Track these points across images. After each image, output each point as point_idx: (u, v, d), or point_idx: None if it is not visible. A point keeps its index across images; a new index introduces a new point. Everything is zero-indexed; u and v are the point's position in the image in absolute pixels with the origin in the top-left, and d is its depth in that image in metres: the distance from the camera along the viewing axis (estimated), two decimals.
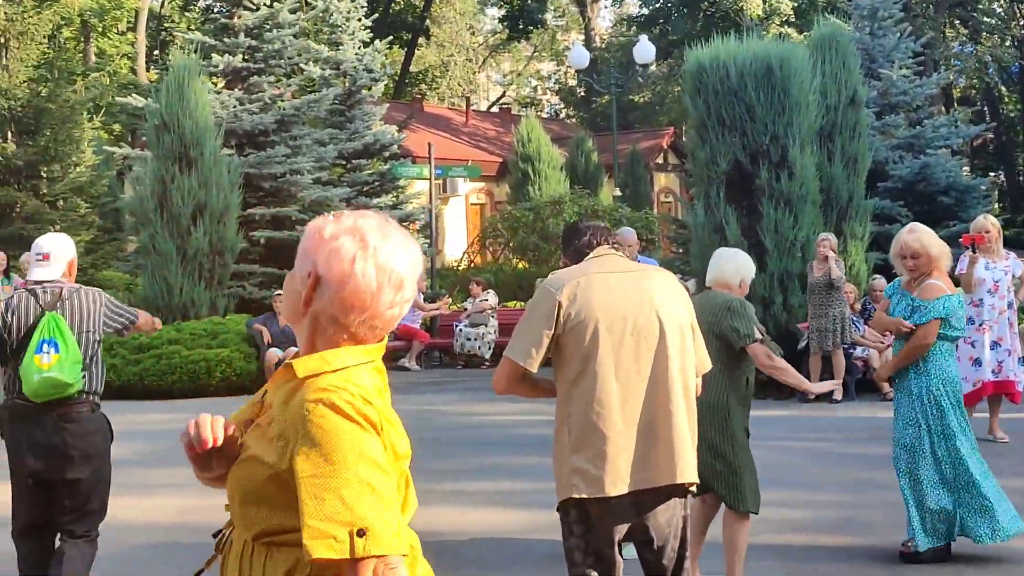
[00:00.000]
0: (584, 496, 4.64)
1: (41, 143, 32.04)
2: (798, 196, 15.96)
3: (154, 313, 18.55)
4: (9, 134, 31.84)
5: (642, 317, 4.68)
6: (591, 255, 4.93)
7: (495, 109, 59.04)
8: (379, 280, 2.78)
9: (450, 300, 22.38)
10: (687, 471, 4.71)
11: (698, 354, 4.89)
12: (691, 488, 4.78)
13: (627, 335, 4.66)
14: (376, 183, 26.32)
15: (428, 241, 24.52)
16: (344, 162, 26.11)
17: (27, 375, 6.23)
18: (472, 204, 38.02)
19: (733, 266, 6.50)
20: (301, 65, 25.29)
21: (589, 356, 4.64)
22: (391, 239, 2.84)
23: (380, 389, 2.80)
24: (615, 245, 5.05)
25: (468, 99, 50.84)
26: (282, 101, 23.47)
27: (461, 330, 20.98)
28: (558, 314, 4.66)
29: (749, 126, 16.09)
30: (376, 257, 2.79)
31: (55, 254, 6.53)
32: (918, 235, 7.29)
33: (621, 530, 4.71)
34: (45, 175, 32.10)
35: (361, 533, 2.56)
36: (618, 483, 4.61)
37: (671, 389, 4.68)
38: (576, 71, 45.69)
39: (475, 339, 20.81)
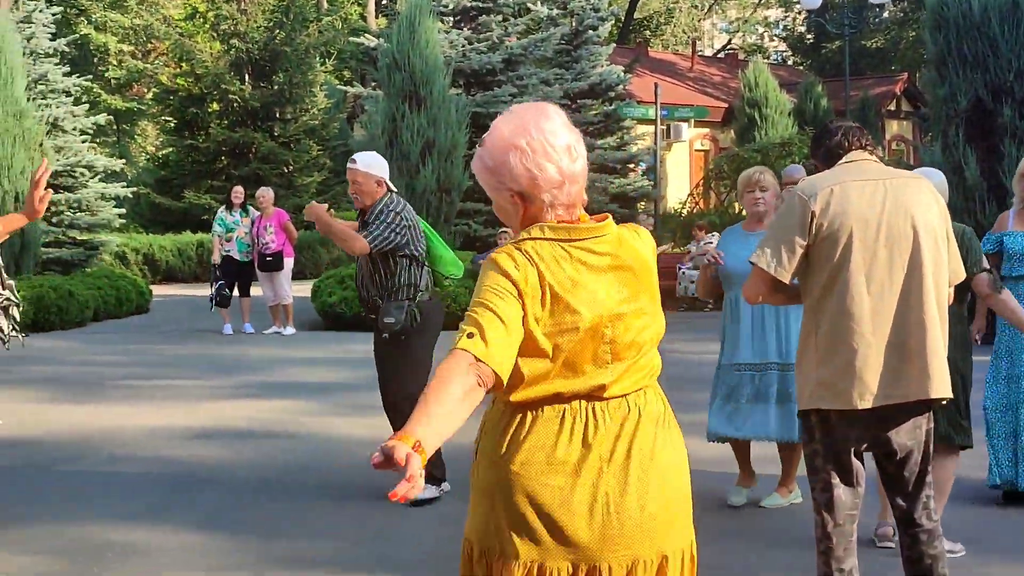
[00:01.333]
0: (828, 408, 4.53)
1: (276, 86, 33.00)
2: None
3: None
4: (246, 76, 32.86)
5: (896, 227, 4.49)
6: (844, 159, 4.73)
7: (722, 54, 58.09)
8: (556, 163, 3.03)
9: (671, 245, 22.22)
10: (940, 386, 4.53)
11: (951, 263, 4.68)
12: (942, 401, 4.61)
13: (880, 246, 4.46)
14: (600, 124, 26.25)
15: (651, 183, 24.36)
16: (569, 102, 26.08)
17: (453, 263, 7.48)
18: (696, 150, 37.56)
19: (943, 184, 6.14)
20: (528, 4, 25.31)
21: (841, 267, 4.47)
22: (551, 122, 3.07)
23: (557, 257, 2.99)
24: (868, 147, 4.83)
25: (694, 43, 50.15)
26: (509, 40, 23.57)
27: (684, 273, 20.84)
28: (811, 224, 4.49)
29: (992, 62, 15.49)
30: (537, 154, 3.02)
31: None
32: None
33: (862, 441, 4.58)
34: (279, 117, 33.06)
35: (471, 335, 2.86)
36: (865, 397, 4.46)
37: (925, 301, 4.49)
38: (807, 12, 44.47)
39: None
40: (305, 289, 19.26)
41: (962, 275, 4.81)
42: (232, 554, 6.27)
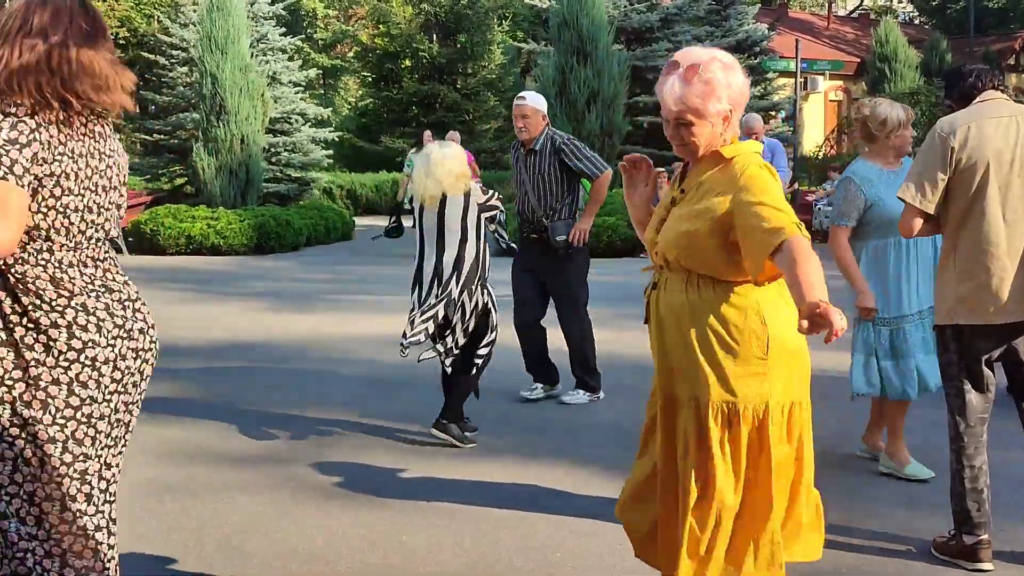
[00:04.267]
0: (965, 324, 4.38)
1: (459, 44, 33.10)
2: None
3: None
4: (434, 36, 33.00)
5: None
6: (978, 99, 4.55)
7: (855, 15, 56.28)
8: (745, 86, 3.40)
9: (797, 185, 21.71)
10: None
11: None
12: None
13: (1015, 176, 4.33)
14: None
15: (791, 129, 23.81)
16: None
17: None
18: (830, 101, 36.60)
19: None
20: None
21: (977, 197, 4.34)
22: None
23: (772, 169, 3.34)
24: (1000, 87, 4.63)
25: (830, 4, 48.61)
26: (665, 1, 23.18)
27: (820, 208, 20.40)
28: (951, 158, 4.35)
29: None
30: (739, 73, 3.36)
31: None
32: None
33: (993, 352, 4.42)
34: (462, 72, 33.17)
35: (799, 225, 3.07)
36: (1000, 313, 4.32)
37: None
38: None
39: None
40: None
41: None
42: (432, 441, 6.35)
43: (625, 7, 22.84)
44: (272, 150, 23.07)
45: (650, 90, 22.50)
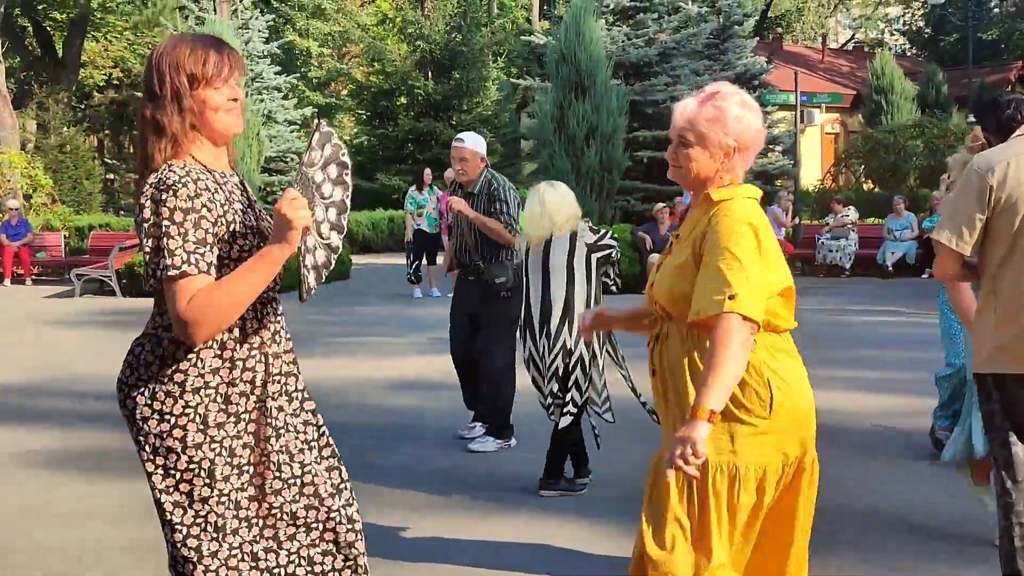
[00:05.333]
0: (1006, 372, 4.10)
1: (454, 82, 33.01)
2: None
3: None
4: (429, 73, 32.93)
5: None
6: (1019, 132, 4.28)
7: (849, 47, 56.53)
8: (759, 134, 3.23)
9: (797, 220, 21.57)
10: None
11: None
12: None
13: None
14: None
15: (792, 162, 23.67)
16: None
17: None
18: (827, 133, 36.55)
19: None
20: (679, 3, 24.74)
21: (1019, 238, 4.05)
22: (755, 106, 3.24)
23: (762, 221, 3.12)
24: None
25: (824, 37, 48.77)
26: (663, 36, 23.10)
27: (823, 243, 20.24)
28: (989, 197, 4.07)
29: None
30: (759, 116, 3.23)
31: None
32: None
33: None
34: (457, 108, 33.08)
35: (732, 296, 2.94)
36: None
37: None
38: (931, 5, 42.73)
39: (836, 251, 20.12)
40: None
41: None
42: (444, 492, 6.07)
43: (623, 42, 22.73)
44: (268, 189, 22.89)
45: (649, 125, 22.39)
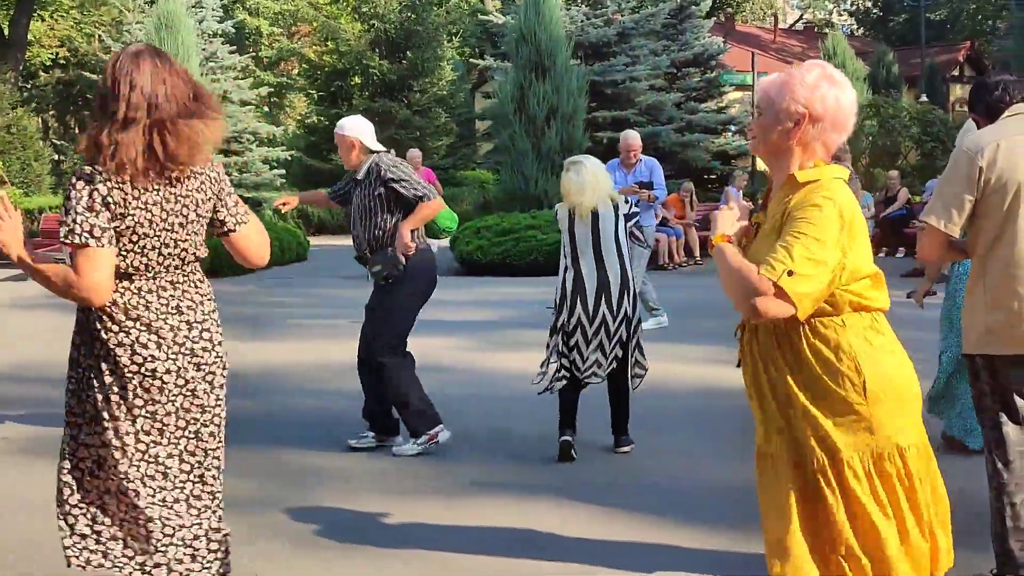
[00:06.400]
0: (995, 354, 4.11)
1: (409, 62, 32.78)
2: None
3: (512, 203, 19.17)
4: (384, 53, 32.67)
5: None
6: (1007, 113, 4.29)
7: (798, 27, 56.86)
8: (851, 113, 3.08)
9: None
10: None
11: None
12: None
13: None
14: (703, 89, 25.65)
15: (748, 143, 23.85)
16: (675, 70, 25.47)
17: (450, 217, 6.92)
18: None
19: None
20: None
21: (1008, 219, 4.07)
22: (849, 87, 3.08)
23: (854, 206, 3.00)
24: None
25: (776, 18, 49.02)
26: (623, 16, 23.06)
27: None
28: (979, 179, 4.07)
29: None
30: (847, 92, 3.06)
31: None
32: None
33: None
34: (413, 88, 32.87)
35: (790, 273, 2.85)
36: None
37: None
38: None
39: None
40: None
41: None
42: (422, 478, 6.03)
43: (582, 22, 22.68)
44: (224, 171, 22.64)
45: (609, 105, 22.35)
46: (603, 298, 6.25)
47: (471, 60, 30.04)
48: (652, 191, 10.53)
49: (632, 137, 11.05)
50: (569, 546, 4.88)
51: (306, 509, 5.50)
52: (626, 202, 6.48)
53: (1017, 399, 4.20)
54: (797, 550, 3.04)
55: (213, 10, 24.65)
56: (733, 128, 26.45)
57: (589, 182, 6.26)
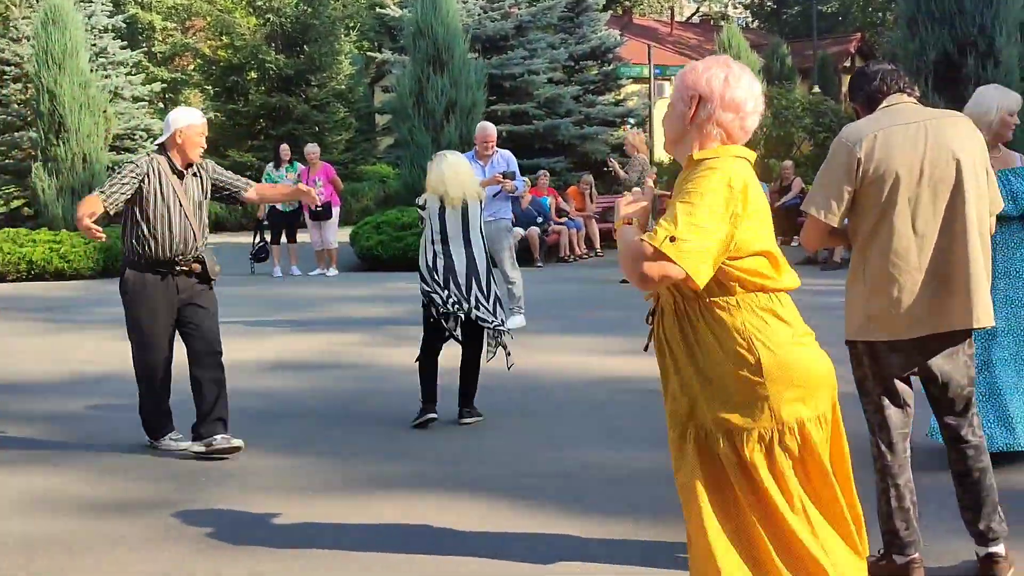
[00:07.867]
0: (876, 340, 4.23)
1: (306, 56, 32.43)
2: (1003, 83, 14.98)
3: (413, 197, 19.06)
4: (280, 47, 32.29)
5: (940, 167, 4.16)
6: (885, 104, 4.38)
7: (695, 20, 57.49)
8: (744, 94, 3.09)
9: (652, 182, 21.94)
10: (983, 316, 4.24)
11: (991, 194, 4.37)
12: (984, 328, 4.31)
13: (924, 187, 4.15)
14: (600, 82, 25.81)
15: (647, 134, 24.01)
16: (573, 63, 25.59)
17: None
18: None
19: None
20: None
21: (887, 210, 4.16)
22: (746, 73, 3.12)
23: (747, 179, 3.00)
24: (907, 89, 4.45)
25: (672, 11, 49.54)
26: (520, 9, 23.12)
27: None
28: (857, 170, 4.17)
29: (958, 19, 15.20)
30: (740, 75, 3.10)
31: None
32: None
33: (908, 367, 4.28)
34: (310, 83, 32.54)
35: (673, 239, 2.84)
36: (913, 328, 4.18)
37: (968, 236, 4.18)
38: None
39: None
40: (343, 235, 18.93)
41: (1001, 205, 4.50)
42: (318, 476, 6.01)
43: (479, 15, 22.68)
44: (116, 168, 22.21)
45: (507, 99, 22.39)
46: (473, 280, 6.89)
47: (369, 54, 29.82)
48: (514, 182, 10.49)
49: (490, 128, 11.06)
50: (468, 539, 4.90)
51: (202, 511, 5.44)
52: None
53: (898, 383, 4.32)
54: (715, 540, 3.07)
55: (103, 4, 24.14)
56: (631, 121, 26.66)
57: (460, 173, 6.95)
